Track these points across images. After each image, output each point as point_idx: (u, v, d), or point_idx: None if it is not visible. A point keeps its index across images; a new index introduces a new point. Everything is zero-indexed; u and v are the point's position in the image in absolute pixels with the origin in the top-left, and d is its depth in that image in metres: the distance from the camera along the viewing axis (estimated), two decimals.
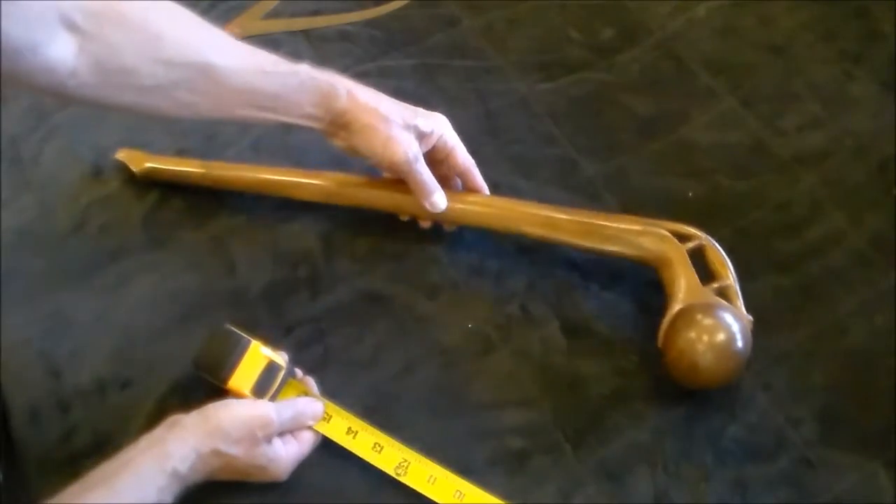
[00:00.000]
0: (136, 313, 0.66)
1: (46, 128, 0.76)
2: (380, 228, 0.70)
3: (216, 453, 0.53)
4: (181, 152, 0.75)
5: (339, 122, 0.62)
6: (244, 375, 0.57)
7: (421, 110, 0.65)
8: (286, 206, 0.71)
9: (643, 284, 0.66)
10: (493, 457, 0.60)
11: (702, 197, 0.73)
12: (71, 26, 0.49)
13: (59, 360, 0.64)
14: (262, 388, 0.57)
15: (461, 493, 0.56)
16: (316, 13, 0.87)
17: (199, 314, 0.66)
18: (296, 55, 0.82)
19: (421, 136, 0.64)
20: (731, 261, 0.63)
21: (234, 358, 0.58)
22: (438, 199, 0.65)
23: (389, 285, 0.68)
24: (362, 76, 0.82)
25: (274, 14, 0.87)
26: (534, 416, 0.62)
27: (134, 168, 0.72)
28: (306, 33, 0.85)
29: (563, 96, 0.80)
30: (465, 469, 0.57)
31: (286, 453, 0.56)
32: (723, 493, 0.58)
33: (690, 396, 0.62)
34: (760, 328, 0.61)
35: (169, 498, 0.51)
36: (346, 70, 0.82)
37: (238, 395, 0.57)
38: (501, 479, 0.58)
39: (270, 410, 0.55)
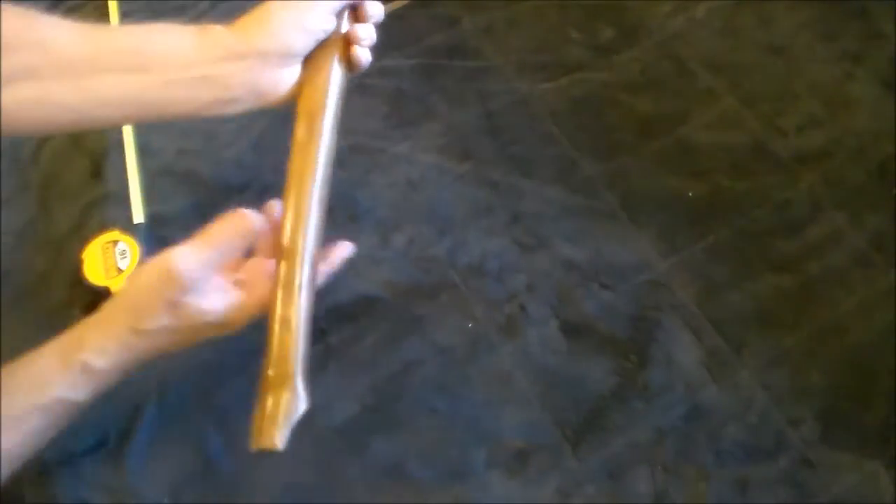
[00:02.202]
0: None
1: None
2: (380, 228, 0.70)
3: (135, 332, 0.48)
4: (181, 152, 0.75)
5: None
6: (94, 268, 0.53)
7: None
8: None
9: (643, 284, 0.66)
10: (492, 457, 0.60)
11: (702, 197, 0.73)
12: None
13: None
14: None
15: None
16: None
17: None
18: None
19: None
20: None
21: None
22: None
23: (389, 285, 0.68)
24: (362, 76, 0.82)
25: None
26: (534, 415, 0.62)
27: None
28: None
29: (563, 96, 0.80)
30: (464, 469, 0.57)
31: (226, 302, 0.50)
32: (723, 493, 0.58)
33: (690, 396, 0.62)
34: (760, 328, 0.60)
35: (81, 395, 0.49)
36: None
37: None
38: (501, 479, 0.58)
39: (172, 260, 0.47)
